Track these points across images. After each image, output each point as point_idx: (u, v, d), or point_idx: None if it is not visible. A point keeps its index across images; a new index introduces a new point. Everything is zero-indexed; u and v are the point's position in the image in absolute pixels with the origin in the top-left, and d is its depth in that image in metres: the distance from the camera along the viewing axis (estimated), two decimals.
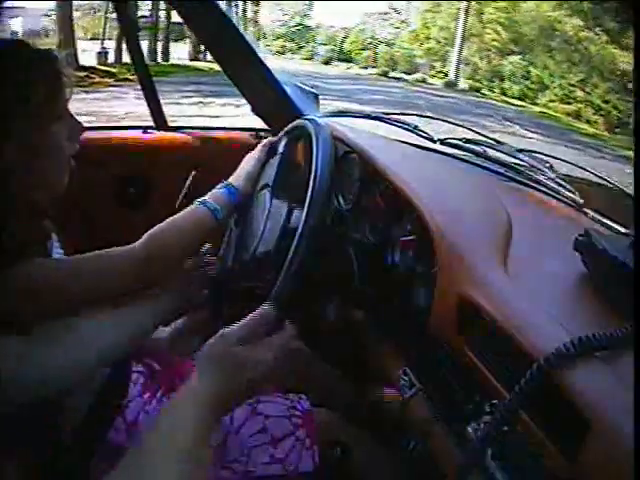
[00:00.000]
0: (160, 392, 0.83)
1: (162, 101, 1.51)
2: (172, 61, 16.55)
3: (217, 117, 7.66)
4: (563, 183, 1.01)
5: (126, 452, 0.46)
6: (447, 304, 0.67)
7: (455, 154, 1.16)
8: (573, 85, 17.37)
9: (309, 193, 0.71)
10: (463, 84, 20.48)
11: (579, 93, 16.99)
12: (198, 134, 1.61)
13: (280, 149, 0.95)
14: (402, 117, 1.31)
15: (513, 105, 17.14)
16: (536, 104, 17.78)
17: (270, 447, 0.80)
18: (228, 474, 0.75)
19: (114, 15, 1.29)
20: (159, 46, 16.56)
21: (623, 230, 0.84)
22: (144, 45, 15.39)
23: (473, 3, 20.46)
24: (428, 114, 1.47)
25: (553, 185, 1.00)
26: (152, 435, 0.48)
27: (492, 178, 1.06)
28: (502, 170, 1.08)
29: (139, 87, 1.46)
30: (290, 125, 0.99)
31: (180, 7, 1.27)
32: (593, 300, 0.61)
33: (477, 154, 1.13)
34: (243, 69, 1.35)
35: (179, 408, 0.50)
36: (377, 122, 1.32)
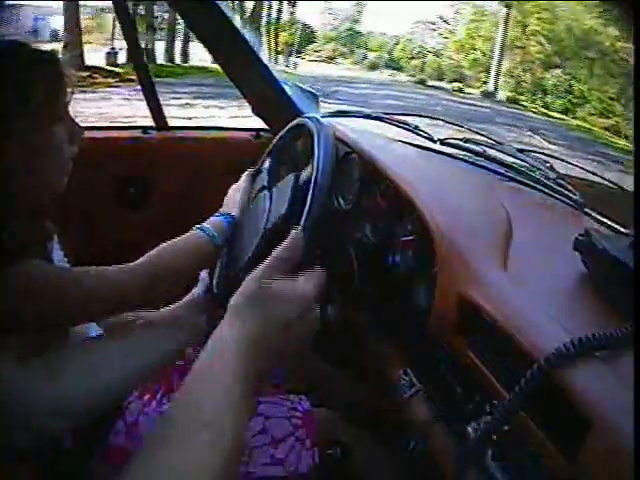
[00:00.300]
0: (160, 393, 0.83)
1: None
2: (192, 62, 16.44)
3: (191, 119, 7.51)
4: (563, 183, 1.01)
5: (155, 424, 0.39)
6: (447, 304, 0.67)
7: (455, 154, 1.16)
8: (612, 98, 17.14)
9: (310, 190, 0.70)
10: (503, 95, 20.38)
11: (618, 107, 16.76)
12: (198, 134, 1.61)
13: (266, 166, 0.96)
14: (402, 117, 1.31)
15: (552, 118, 17.04)
16: (576, 118, 17.65)
17: (270, 448, 0.80)
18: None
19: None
20: (178, 47, 16.53)
21: (623, 230, 0.84)
22: (161, 45, 15.48)
23: (514, 14, 20.29)
24: (430, 116, 1.47)
25: (553, 185, 1.00)
26: (180, 402, 0.40)
27: (492, 178, 1.06)
28: (502, 170, 1.08)
29: (139, 87, 1.46)
30: (291, 123, 0.99)
31: (180, 7, 1.28)
32: (593, 300, 0.61)
33: (477, 154, 1.13)
34: (243, 69, 1.35)
35: (208, 364, 0.42)
36: (377, 122, 1.33)
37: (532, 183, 1.02)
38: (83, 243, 0.89)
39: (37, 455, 0.65)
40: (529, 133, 11.95)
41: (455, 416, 0.65)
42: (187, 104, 9.15)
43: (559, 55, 20.00)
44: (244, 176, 1.00)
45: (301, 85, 1.48)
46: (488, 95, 20.01)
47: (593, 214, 0.92)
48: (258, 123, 1.51)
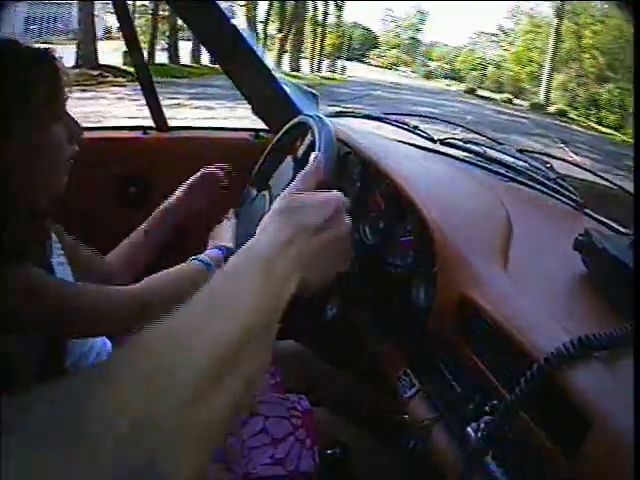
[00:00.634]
0: None
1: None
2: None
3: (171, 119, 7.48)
4: (563, 183, 1.01)
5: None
6: (447, 304, 0.67)
7: (455, 154, 1.16)
8: None
9: (316, 150, 0.70)
10: (554, 108, 20.16)
11: None
12: (198, 134, 1.61)
13: (252, 195, 0.96)
14: (402, 118, 1.31)
15: (600, 133, 16.85)
16: (626, 134, 17.47)
17: (270, 448, 0.80)
18: (228, 475, 0.75)
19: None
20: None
21: (623, 230, 0.84)
22: (188, 45, 15.45)
23: (569, 25, 20.02)
24: (430, 116, 1.47)
25: (553, 185, 1.00)
26: (200, 293, 0.37)
27: (492, 178, 1.06)
28: (502, 170, 1.08)
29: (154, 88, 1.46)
30: (291, 121, 0.99)
31: (180, 7, 1.28)
32: (593, 300, 0.61)
33: (477, 154, 1.13)
34: (243, 69, 1.35)
35: (235, 261, 0.39)
36: (377, 122, 1.33)
37: (532, 183, 1.02)
38: (83, 243, 0.89)
39: None
40: (561, 145, 11.92)
41: (455, 416, 0.65)
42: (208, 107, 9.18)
43: (612, 69, 19.72)
44: (230, 212, 1.01)
45: (301, 85, 1.48)
46: (537, 107, 19.76)
47: (593, 214, 0.92)
48: (258, 123, 1.51)
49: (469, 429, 0.58)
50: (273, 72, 1.36)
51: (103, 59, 11.24)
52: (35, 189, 0.70)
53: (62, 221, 0.81)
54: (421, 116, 1.43)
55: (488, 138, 1.20)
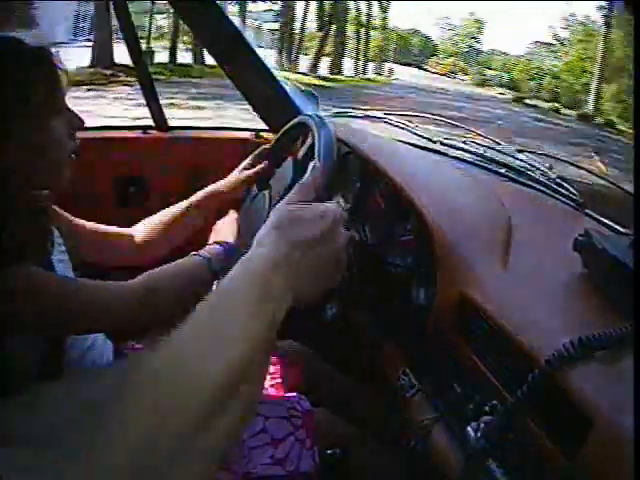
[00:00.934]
0: None
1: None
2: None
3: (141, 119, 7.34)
4: (563, 183, 1.01)
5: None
6: (447, 304, 0.67)
7: (455, 154, 1.16)
8: None
9: (316, 158, 0.70)
10: (603, 119, 19.83)
11: None
12: (198, 134, 1.61)
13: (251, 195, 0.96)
14: (402, 118, 1.31)
15: None
16: None
17: (270, 448, 0.80)
18: (228, 475, 0.75)
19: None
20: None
21: (623, 230, 0.84)
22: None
23: (620, 34, 19.70)
24: (430, 116, 1.47)
25: (553, 185, 1.00)
26: (196, 313, 0.37)
27: (492, 178, 1.06)
28: (502, 170, 1.08)
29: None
30: (292, 122, 0.99)
31: (180, 7, 1.28)
32: (593, 300, 0.61)
33: (477, 154, 1.14)
34: (243, 69, 1.35)
35: (231, 281, 0.40)
36: (377, 122, 1.33)
37: (532, 183, 1.03)
38: None
39: None
40: (592, 154, 11.87)
41: (455, 416, 0.65)
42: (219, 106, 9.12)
43: None
44: (231, 212, 1.00)
45: (300, 85, 1.48)
46: (584, 118, 19.38)
47: (593, 214, 0.92)
48: (258, 123, 1.51)
49: (469, 429, 0.58)
50: (273, 72, 1.36)
51: (122, 59, 11.15)
52: (36, 188, 0.70)
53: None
54: (422, 116, 1.43)
55: (488, 138, 1.20)
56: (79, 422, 0.29)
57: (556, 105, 21.60)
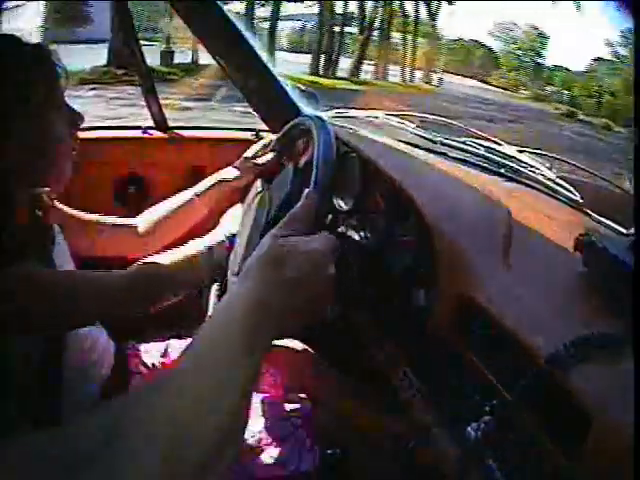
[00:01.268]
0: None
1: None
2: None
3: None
4: (563, 183, 1.01)
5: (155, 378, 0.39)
6: (447, 304, 0.67)
7: (455, 154, 1.16)
8: None
9: (311, 185, 0.70)
10: None
11: None
12: (198, 134, 1.61)
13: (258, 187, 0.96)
14: (403, 118, 1.31)
15: None
16: None
17: (270, 448, 0.80)
18: (228, 475, 0.75)
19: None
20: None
21: (623, 230, 0.84)
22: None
23: None
24: (430, 116, 1.47)
25: (553, 185, 1.00)
26: (185, 358, 0.38)
27: (492, 178, 1.06)
28: (502, 170, 1.08)
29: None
30: (291, 122, 0.99)
31: (180, 7, 1.27)
32: (593, 300, 0.61)
33: (477, 154, 1.13)
34: (243, 69, 1.35)
35: (216, 322, 0.41)
36: (377, 122, 1.33)
37: (532, 183, 1.02)
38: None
39: None
40: (620, 171, 11.83)
41: (455, 416, 0.65)
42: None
43: None
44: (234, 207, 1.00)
45: (301, 86, 1.48)
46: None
47: (593, 214, 0.92)
48: (258, 123, 1.51)
49: (469, 429, 0.58)
50: (273, 72, 1.36)
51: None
52: (36, 188, 0.70)
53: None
54: (421, 116, 1.43)
55: (488, 139, 1.20)
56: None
57: (609, 123, 21.43)
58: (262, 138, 1.53)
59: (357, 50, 18.67)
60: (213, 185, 1.01)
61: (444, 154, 1.16)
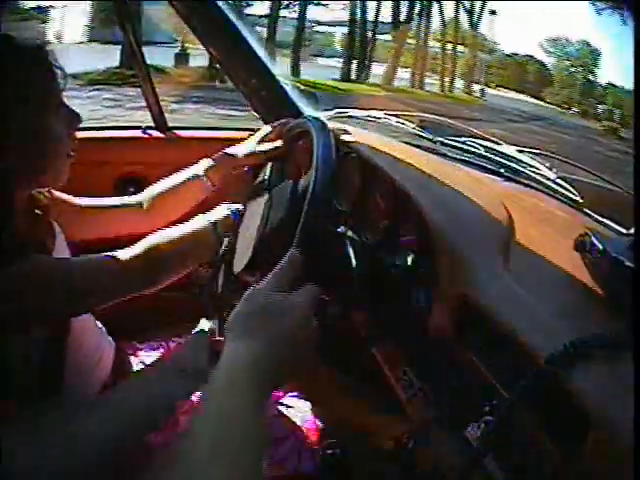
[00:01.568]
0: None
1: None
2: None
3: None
4: (563, 183, 1.01)
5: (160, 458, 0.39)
6: (447, 304, 0.67)
7: (455, 154, 1.16)
8: None
9: (310, 189, 0.70)
10: None
11: None
12: (198, 134, 1.61)
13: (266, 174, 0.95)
14: (403, 118, 1.31)
15: None
16: None
17: (270, 448, 0.80)
18: None
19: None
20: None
21: (623, 230, 0.84)
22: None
23: None
24: (430, 116, 1.47)
25: (553, 185, 1.00)
26: (190, 434, 0.38)
27: (492, 178, 1.06)
28: (502, 170, 1.08)
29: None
30: (290, 124, 0.99)
31: (180, 7, 1.27)
32: (593, 300, 0.61)
33: (477, 154, 1.13)
34: (243, 69, 1.35)
35: (216, 394, 0.41)
36: (378, 122, 1.32)
37: (532, 183, 1.02)
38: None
39: None
40: None
41: (455, 416, 0.65)
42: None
43: None
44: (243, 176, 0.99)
45: (300, 86, 1.48)
46: None
47: (593, 214, 0.92)
48: (258, 123, 1.51)
49: (469, 429, 0.58)
50: (273, 72, 1.36)
51: (156, 60, 10.85)
52: (35, 187, 0.70)
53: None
54: (421, 116, 1.43)
55: (488, 139, 1.20)
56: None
57: None
58: None
59: (391, 56, 18.19)
60: (221, 161, 0.99)
61: (444, 154, 1.16)
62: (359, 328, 0.95)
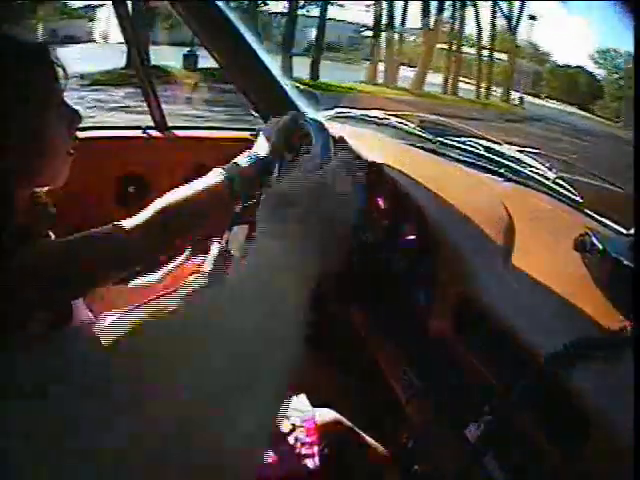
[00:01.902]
0: None
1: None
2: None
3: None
4: (563, 183, 1.00)
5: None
6: (447, 304, 0.67)
7: (455, 154, 1.16)
8: None
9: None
10: None
11: None
12: (198, 134, 1.61)
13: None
14: (403, 118, 1.31)
15: None
16: None
17: (270, 447, 0.80)
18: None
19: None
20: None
21: (623, 230, 0.84)
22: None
23: None
24: (430, 116, 1.47)
25: (553, 185, 1.00)
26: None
27: (492, 178, 1.06)
28: (502, 170, 1.07)
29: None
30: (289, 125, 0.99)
31: (180, 7, 1.27)
32: (593, 300, 0.61)
33: (477, 154, 1.13)
34: (243, 69, 1.35)
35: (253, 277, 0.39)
36: (378, 122, 1.32)
37: (532, 183, 1.02)
38: None
39: None
40: None
41: (455, 416, 0.65)
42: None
43: None
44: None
45: (300, 86, 1.48)
46: None
47: (593, 214, 0.92)
48: (258, 123, 1.51)
49: (469, 429, 0.58)
50: (273, 72, 1.36)
51: (163, 60, 10.73)
52: (35, 187, 0.70)
53: (61, 221, 0.81)
54: (420, 116, 1.43)
55: (488, 139, 1.20)
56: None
57: None
58: None
59: (421, 60, 17.39)
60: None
61: (444, 154, 1.16)
62: (359, 328, 0.95)
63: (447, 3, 18.05)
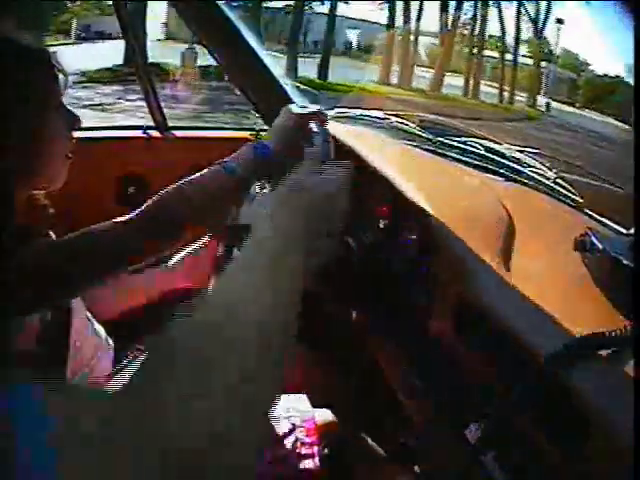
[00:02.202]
0: None
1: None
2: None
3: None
4: (563, 183, 1.00)
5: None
6: (447, 304, 0.67)
7: (455, 154, 1.16)
8: None
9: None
10: None
11: None
12: (198, 134, 1.61)
13: None
14: (403, 118, 1.31)
15: None
16: None
17: (270, 447, 0.80)
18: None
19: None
20: None
21: (623, 230, 0.84)
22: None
23: None
24: (430, 116, 1.47)
25: (553, 185, 1.00)
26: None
27: (492, 178, 1.06)
28: (502, 170, 1.07)
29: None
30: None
31: (180, 7, 1.27)
32: (593, 300, 0.61)
33: (477, 154, 1.13)
34: (243, 69, 1.35)
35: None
36: (378, 122, 1.32)
37: (532, 183, 1.02)
38: None
39: None
40: None
41: (455, 416, 0.65)
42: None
43: None
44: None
45: (300, 85, 1.48)
46: None
47: (593, 214, 0.92)
48: (259, 123, 1.51)
49: (469, 429, 0.58)
50: (273, 72, 1.36)
51: (162, 57, 10.57)
52: (34, 187, 0.70)
53: (61, 221, 0.81)
54: (421, 116, 1.43)
55: (488, 139, 1.20)
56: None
57: None
58: (262, 138, 1.53)
59: (438, 61, 16.83)
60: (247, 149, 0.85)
61: (444, 154, 1.16)
62: (359, 328, 0.95)
63: (467, 4, 17.58)
